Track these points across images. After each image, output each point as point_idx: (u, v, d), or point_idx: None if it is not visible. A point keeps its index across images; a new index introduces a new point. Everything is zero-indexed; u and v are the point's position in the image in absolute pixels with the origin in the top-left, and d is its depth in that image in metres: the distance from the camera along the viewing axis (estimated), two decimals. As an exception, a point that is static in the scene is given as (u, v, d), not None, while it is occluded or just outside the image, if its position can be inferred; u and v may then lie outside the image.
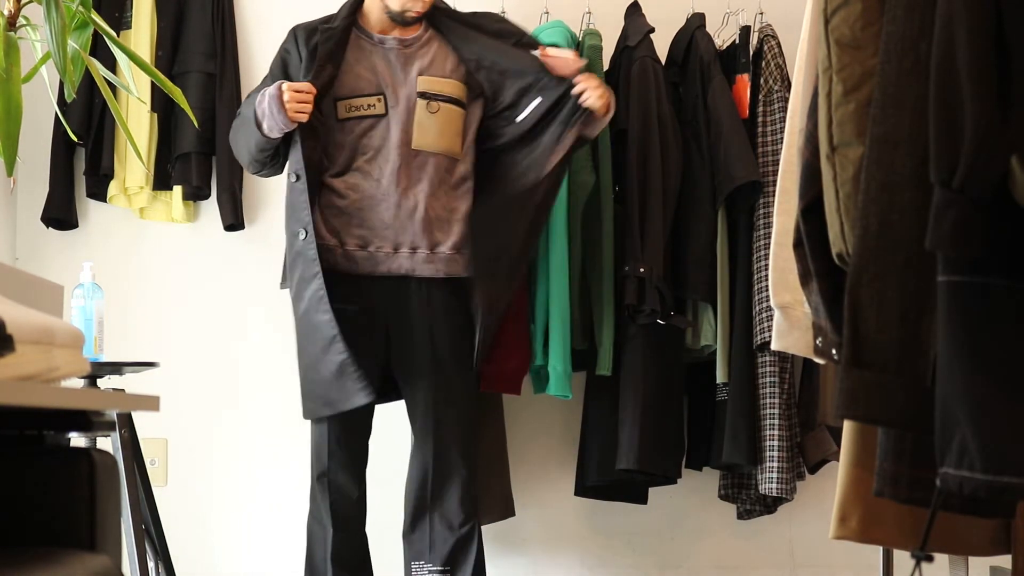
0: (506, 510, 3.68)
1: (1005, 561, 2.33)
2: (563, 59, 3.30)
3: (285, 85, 3.15)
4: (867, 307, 1.71)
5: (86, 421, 1.79)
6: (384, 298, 3.28)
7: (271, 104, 3.14)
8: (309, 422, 3.34)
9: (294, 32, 3.41)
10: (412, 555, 3.30)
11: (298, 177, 3.24)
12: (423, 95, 3.31)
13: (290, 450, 3.98)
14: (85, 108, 3.82)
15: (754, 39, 3.81)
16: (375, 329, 3.29)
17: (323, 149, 3.31)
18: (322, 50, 3.30)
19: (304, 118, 3.17)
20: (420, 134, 3.29)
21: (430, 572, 3.26)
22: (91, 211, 3.98)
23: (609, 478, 3.67)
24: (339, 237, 3.28)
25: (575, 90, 3.27)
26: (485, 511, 3.57)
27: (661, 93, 3.67)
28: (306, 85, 3.18)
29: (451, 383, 3.29)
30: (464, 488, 3.26)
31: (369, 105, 3.31)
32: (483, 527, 3.56)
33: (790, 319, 2.57)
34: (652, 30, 3.75)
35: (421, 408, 3.30)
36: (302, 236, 3.22)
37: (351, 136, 3.30)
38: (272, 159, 3.31)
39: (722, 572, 4.03)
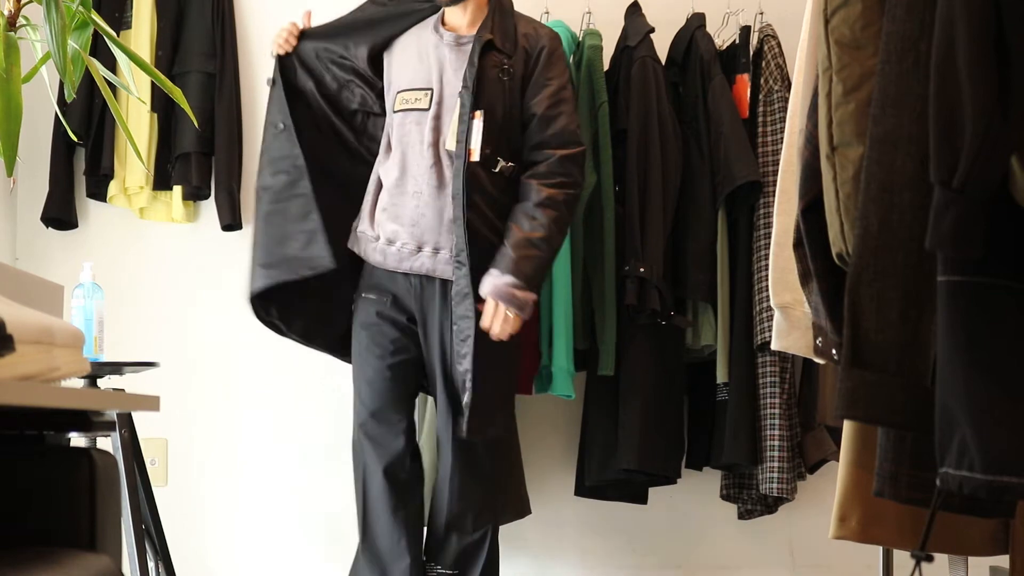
0: (522, 509, 3.67)
1: (1005, 561, 2.33)
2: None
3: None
4: (867, 307, 1.71)
5: (86, 421, 1.79)
6: (408, 295, 3.25)
7: None
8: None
9: None
10: (428, 555, 3.30)
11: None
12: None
13: (290, 449, 3.98)
14: (85, 108, 3.82)
15: (754, 39, 3.81)
16: (406, 323, 3.27)
17: (387, 142, 3.33)
18: (384, 11, 3.39)
19: (277, 49, 3.38)
20: (454, 135, 3.20)
21: (440, 573, 3.26)
22: (91, 211, 3.98)
23: (609, 478, 3.67)
24: (379, 230, 3.28)
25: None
26: (501, 511, 3.57)
27: (661, 93, 3.67)
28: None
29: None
30: (480, 496, 3.24)
31: (416, 99, 3.28)
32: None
33: (790, 319, 2.57)
34: (652, 30, 3.76)
35: (442, 419, 3.26)
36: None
37: (400, 130, 3.29)
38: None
39: (722, 572, 4.03)
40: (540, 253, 3.16)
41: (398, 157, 3.27)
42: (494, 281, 3.13)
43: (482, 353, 3.12)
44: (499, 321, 3.12)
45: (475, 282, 3.12)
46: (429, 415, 3.60)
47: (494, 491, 3.31)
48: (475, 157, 3.16)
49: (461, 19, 3.31)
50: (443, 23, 3.34)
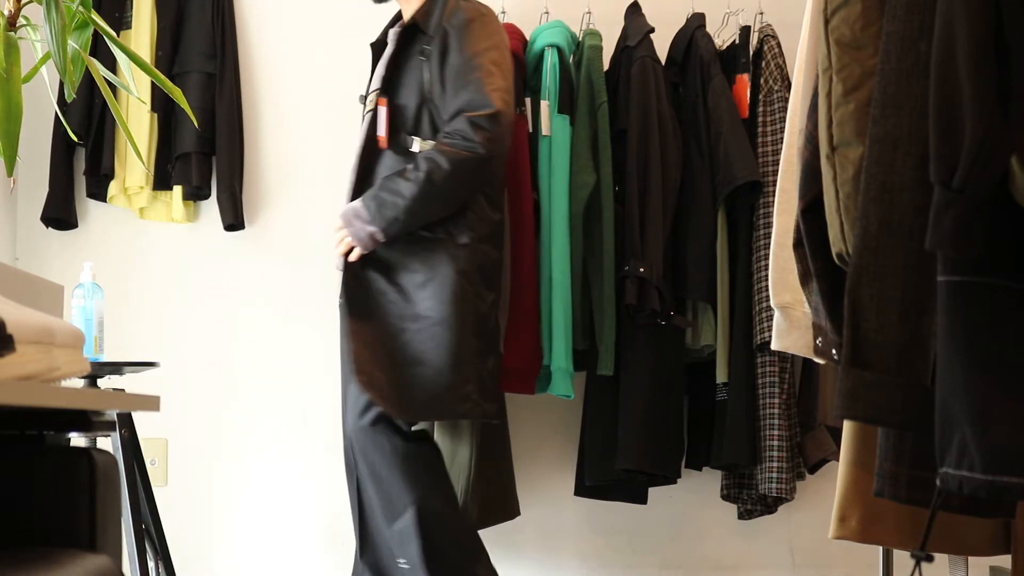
0: (511, 511, 3.68)
1: (1005, 561, 2.33)
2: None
3: None
4: (867, 307, 1.71)
5: (86, 421, 1.79)
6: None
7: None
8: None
9: None
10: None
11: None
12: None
13: (291, 449, 3.98)
14: (85, 108, 3.82)
15: (754, 39, 3.81)
16: None
17: None
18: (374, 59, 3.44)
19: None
20: (387, 131, 3.26)
21: (400, 565, 3.25)
22: (91, 211, 3.98)
23: (609, 478, 3.67)
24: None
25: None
26: (491, 512, 3.57)
27: (661, 93, 3.67)
28: None
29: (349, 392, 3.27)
30: (390, 484, 3.19)
31: (369, 100, 3.35)
32: (487, 528, 3.56)
33: (790, 319, 2.57)
34: (652, 30, 3.76)
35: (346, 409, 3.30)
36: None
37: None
38: None
39: (722, 572, 4.03)
40: (399, 200, 3.15)
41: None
42: (349, 204, 3.22)
43: (347, 317, 3.19)
44: (336, 240, 3.22)
45: (380, 269, 3.20)
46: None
47: (402, 477, 3.20)
48: (383, 144, 3.24)
49: (409, 13, 3.34)
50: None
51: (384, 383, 3.17)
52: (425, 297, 3.19)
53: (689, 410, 3.85)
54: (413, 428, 3.27)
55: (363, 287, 3.23)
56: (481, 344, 3.23)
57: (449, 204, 3.19)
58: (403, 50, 3.29)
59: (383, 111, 3.25)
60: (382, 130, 3.24)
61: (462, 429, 3.52)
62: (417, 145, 3.21)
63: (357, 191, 3.27)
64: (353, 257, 3.21)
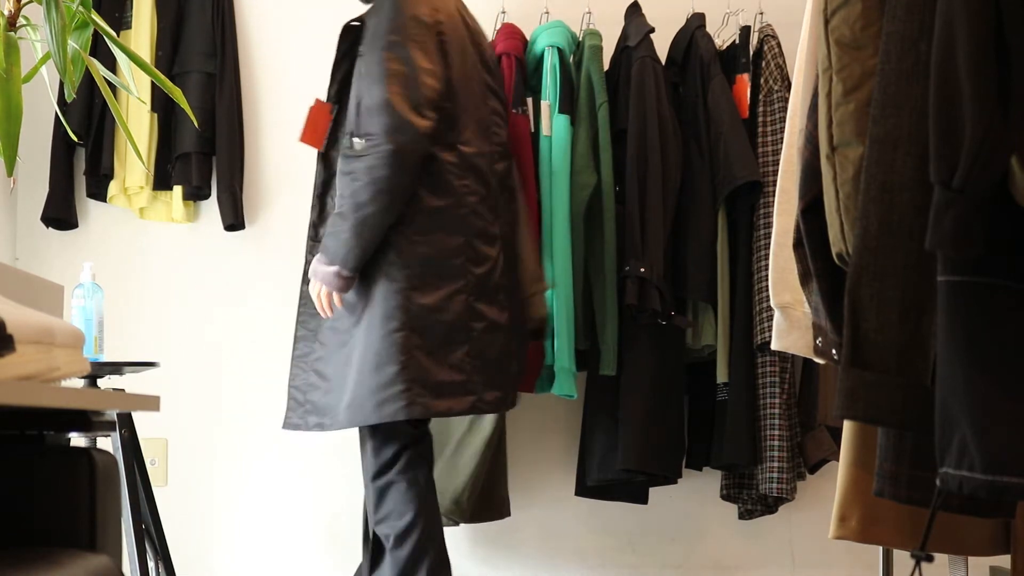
0: (502, 511, 3.68)
1: (1005, 561, 2.34)
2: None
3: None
4: (867, 307, 1.71)
5: (86, 421, 1.79)
6: None
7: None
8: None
9: None
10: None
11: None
12: None
13: (291, 449, 3.98)
14: (85, 108, 3.82)
15: (754, 39, 3.81)
16: None
17: None
18: None
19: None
20: (304, 128, 3.23)
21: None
22: (91, 211, 3.98)
23: (609, 478, 3.67)
24: None
25: None
26: (481, 511, 3.57)
27: (661, 93, 3.67)
28: None
29: None
30: (372, 498, 3.16)
31: None
32: (481, 526, 3.56)
33: (790, 319, 2.57)
34: (652, 30, 3.76)
35: None
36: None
37: None
38: None
39: (722, 572, 4.03)
40: (341, 231, 3.04)
41: None
42: (313, 261, 3.16)
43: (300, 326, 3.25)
44: (314, 297, 3.12)
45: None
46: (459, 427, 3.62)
47: (376, 498, 3.15)
48: (317, 146, 3.21)
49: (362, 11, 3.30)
50: None
51: (332, 405, 3.14)
52: (361, 305, 3.10)
53: (689, 410, 3.85)
54: (408, 439, 3.21)
55: (316, 320, 3.21)
56: (423, 339, 3.05)
57: (391, 205, 3.04)
58: (350, 50, 3.20)
59: (306, 114, 3.20)
60: (300, 131, 3.20)
61: (484, 423, 3.53)
62: (359, 145, 3.08)
63: (317, 197, 3.24)
64: (337, 303, 3.11)
